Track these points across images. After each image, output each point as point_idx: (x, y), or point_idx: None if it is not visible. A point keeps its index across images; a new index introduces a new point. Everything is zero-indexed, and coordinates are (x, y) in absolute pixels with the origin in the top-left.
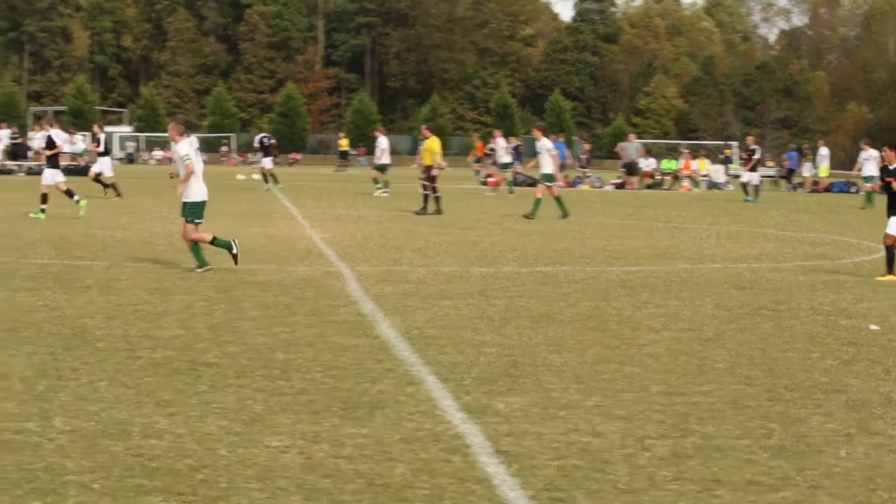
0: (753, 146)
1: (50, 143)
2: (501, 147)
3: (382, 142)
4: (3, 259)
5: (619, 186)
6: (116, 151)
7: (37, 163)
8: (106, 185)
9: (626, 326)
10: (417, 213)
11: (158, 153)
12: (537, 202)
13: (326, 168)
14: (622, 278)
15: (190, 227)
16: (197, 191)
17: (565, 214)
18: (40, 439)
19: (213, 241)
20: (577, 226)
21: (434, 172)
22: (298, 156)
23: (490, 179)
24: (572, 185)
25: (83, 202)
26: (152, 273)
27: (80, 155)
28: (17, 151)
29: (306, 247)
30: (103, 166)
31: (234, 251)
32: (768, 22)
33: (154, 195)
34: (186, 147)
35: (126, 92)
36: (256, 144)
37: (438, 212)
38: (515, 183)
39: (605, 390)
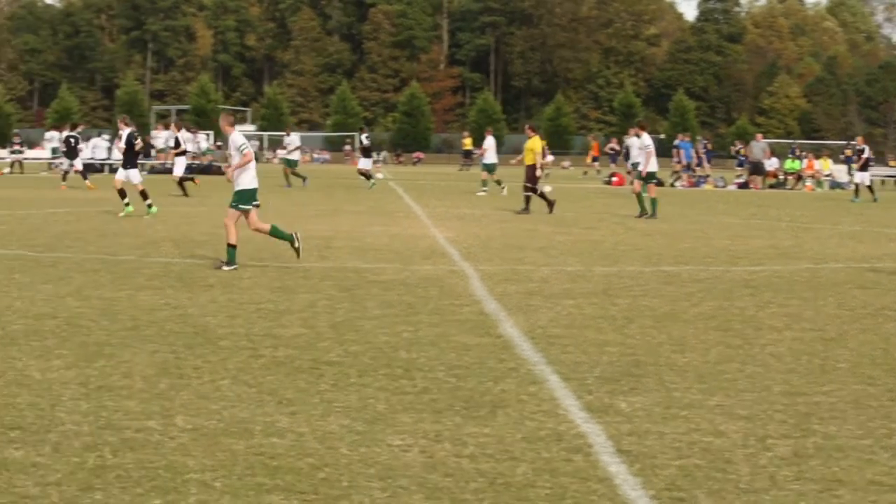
0: (862, 146)
1: (129, 143)
2: (636, 146)
3: (488, 142)
4: (126, 257)
5: (743, 186)
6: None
7: (159, 161)
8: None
9: (748, 326)
10: (519, 213)
11: (282, 152)
12: (653, 201)
13: (450, 167)
14: (745, 278)
15: (233, 212)
16: (250, 178)
17: (642, 213)
18: (162, 437)
19: (229, 246)
20: (700, 225)
21: (538, 173)
22: (422, 155)
23: (614, 179)
24: (695, 184)
25: (154, 208)
26: (275, 272)
27: (203, 154)
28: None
29: (430, 246)
30: (179, 167)
31: (225, 266)
32: (892, 22)
33: (277, 194)
34: (241, 136)
35: (249, 91)
36: (366, 143)
37: (550, 210)
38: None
39: (728, 390)
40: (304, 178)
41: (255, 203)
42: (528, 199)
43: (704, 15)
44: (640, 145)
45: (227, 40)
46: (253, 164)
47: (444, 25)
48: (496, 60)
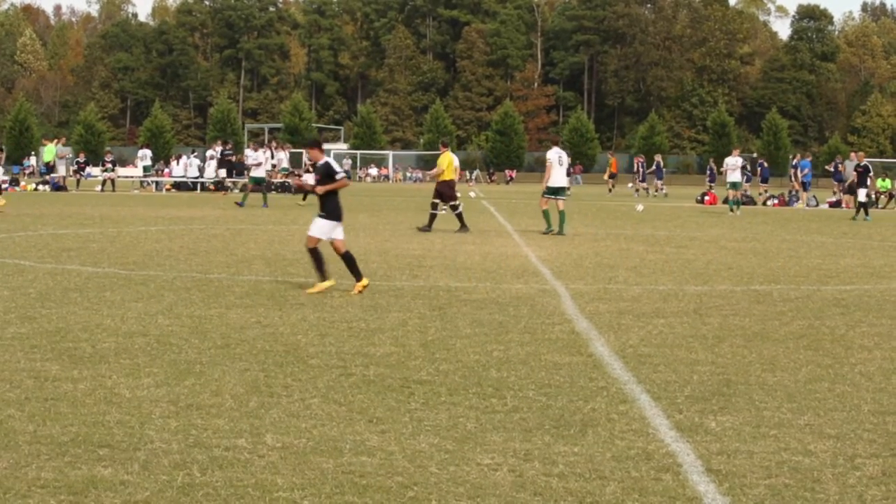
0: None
1: None
2: (734, 165)
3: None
4: (217, 276)
5: (835, 205)
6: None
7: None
8: None
9: (838, 345)
10: (459, 231)
11: (374, 170)
12: (545, 212)
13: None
14: (836, 297)
15: None
16: None
17: (549, 230)
18: (251, 456)
19: None
20: (791, 244)
21: (441, 188)
22: (513, 173)
23: (707, 198)
24: (787, 202)
25: None
26: (367, 290)
27: (279, 172)
28: (231, 167)
29: (521, 264)
30: None
31: None
32: None
33: (369, 212)
34: None
35: (343, 109)
36: (229, 155)
37: (426, 228)
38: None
39: (817, 409)
40: (264, 201)
41: None
42: (460, 218)
43: (798, 34)
44: (547, 158)
45: (321, 58)
46: None
47: (538, 44)
48: (589, 79)
